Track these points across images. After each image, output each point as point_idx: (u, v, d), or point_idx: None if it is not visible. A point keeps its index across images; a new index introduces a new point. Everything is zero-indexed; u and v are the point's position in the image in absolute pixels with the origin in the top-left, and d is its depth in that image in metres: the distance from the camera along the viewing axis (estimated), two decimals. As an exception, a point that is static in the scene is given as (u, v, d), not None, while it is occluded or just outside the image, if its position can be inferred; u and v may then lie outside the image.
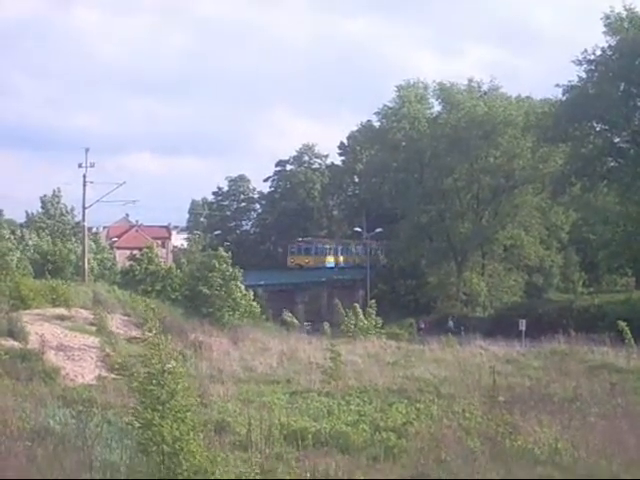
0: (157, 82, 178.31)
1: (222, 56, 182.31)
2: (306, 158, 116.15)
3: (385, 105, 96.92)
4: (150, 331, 15.77)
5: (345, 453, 20.64)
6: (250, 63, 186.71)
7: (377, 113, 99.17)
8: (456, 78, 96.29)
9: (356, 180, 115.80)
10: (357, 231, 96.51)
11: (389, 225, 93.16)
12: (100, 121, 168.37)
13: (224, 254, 55.93)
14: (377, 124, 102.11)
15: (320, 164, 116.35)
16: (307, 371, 35.77)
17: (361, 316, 56.70)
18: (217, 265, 55.04)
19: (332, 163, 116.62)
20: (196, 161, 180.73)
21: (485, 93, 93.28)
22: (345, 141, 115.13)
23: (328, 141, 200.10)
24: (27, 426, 20.86)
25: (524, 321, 59.25)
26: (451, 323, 77.43)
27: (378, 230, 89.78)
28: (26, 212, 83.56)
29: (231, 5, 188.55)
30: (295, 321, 61.32)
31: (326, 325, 56.20)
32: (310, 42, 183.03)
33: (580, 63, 72.17)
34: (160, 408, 14.66)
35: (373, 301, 59.26)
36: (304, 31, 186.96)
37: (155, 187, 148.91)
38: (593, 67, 72.26)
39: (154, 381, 14.95)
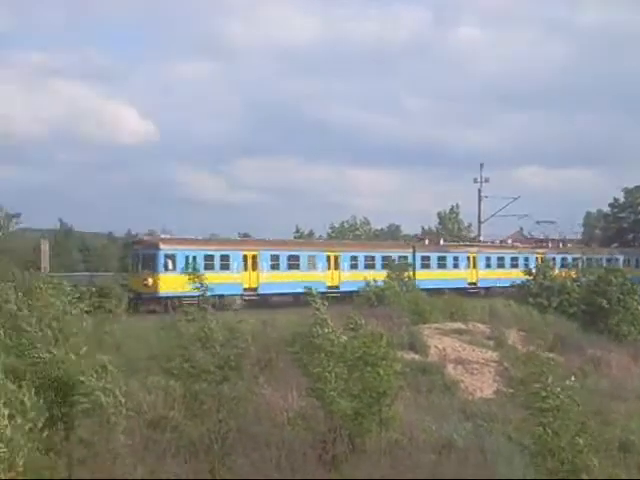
0: (537, 95, 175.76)
1: (605, 64, 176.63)
2: None
3: None
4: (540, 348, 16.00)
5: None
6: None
7: None
8: None
9: None
10: None
11: None
12: (488, 137, 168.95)
13: (621, 268, 54.51)
14: None
15: None
16: None
17: None
18: (613, 279, 53.86)
19: None
20: (586, 173, 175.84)
21: None
22: None
23: None
24: (431, 439, 21.77)
25: None
26: None
27: None
28: (422, 227, 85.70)
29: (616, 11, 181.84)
30: None
31: None
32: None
33: None
34: (552, 426, 14.80)
35: None
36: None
37: (545, 200, 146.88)
38: None
39: (543, 398, 15.13)
